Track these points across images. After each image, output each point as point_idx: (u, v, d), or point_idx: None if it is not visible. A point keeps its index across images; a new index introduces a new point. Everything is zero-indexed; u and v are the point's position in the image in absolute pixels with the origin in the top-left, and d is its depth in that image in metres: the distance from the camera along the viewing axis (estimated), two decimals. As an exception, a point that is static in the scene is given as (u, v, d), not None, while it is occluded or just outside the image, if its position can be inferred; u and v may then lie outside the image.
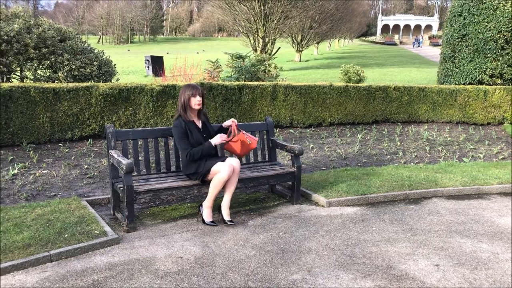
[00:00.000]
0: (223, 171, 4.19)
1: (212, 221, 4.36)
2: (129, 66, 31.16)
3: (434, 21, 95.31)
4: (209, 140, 4.41)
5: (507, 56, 11.81)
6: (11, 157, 6.45)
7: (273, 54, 27.05)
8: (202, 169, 4.30)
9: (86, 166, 6.26)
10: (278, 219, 4.57)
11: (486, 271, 3.48)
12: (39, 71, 10.18)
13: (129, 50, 66.01)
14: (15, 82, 8.75)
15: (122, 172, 4.07)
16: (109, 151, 4.40)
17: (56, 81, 9.74)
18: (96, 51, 11.11)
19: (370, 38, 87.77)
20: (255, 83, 9.21)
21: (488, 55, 11.89)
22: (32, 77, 10.06)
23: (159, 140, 5.31)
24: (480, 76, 12.11)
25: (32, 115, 7.10)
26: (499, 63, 11.82)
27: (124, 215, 4.19)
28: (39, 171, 5.93)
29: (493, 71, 11.91)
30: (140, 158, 5.94)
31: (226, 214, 4.39)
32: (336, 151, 7.75)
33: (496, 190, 5.71)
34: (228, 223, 4.35)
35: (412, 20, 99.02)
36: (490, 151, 8.21)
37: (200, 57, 25.80)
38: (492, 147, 8.53)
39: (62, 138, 7.43)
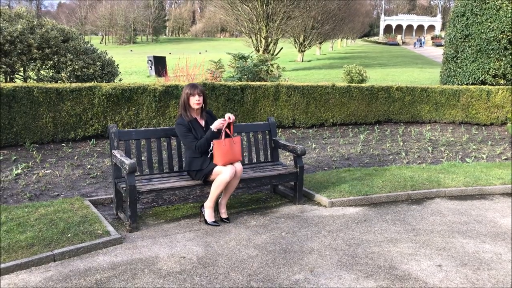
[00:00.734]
0: (225, 173, 4.21)
1: (214, 221, 4.37)
2: (132, 66, 31.22)
3: (437, 21, 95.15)
4: (210, 127, 4.40)
5: (510, 56, 11.79)
6: (15, 157, 6.47)
7: (276, 54, 27.04)
8: (206, 167, 4.31)
9: (89, 166, 6.28)
10: (281, 219, 4.57)
11: (489, 271, 3.48)
12: (42, 71, 10.20)
13: (131, 51, 66.10)
14: (19, 82, 8.79)
15: (125, 172, 4.08)
16: (112, 151, 4.41)
17: (59, 81, 9.76)
18: (99, 52, 11.14)
19: (372, 38, 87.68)
20: (258, 83, 9.21)
21: (491, 55, 11.86)
22: (35, 77, 10.09)
23: (162, 140, 5.32)
24: (483, 76, 12.08)
25: (35, 115, 7.12)
26: (502, 63, 11.79)
27: (127, 215, 4.20)
28: (42, 171, 5.95)
29: (496, 71, 11.89)
30: (142, 158, 5.95)
31: (223, 212, 4.46)
32: (338, 151, 7.75)
33: (499, 190, 5.70)
34: (224, 220, 4.40)
35: (414, 20, 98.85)
36: (493, 151, 8.19)
37: (203, 57, 25.82)
38: (495, 148, 8.51)
39: (65, 138, 7.46)
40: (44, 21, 10.71)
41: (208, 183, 4.39)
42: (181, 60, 16.42)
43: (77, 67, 9.98)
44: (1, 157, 6.47)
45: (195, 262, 3.55)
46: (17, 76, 10.45)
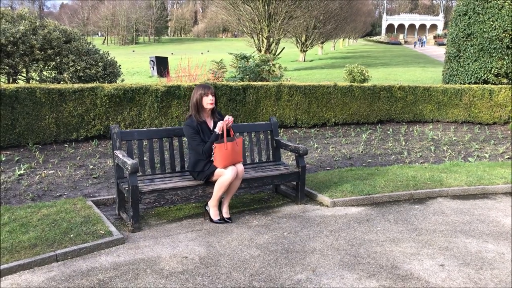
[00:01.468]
0: (227, 174, 4.22)
1: (219, 219, 4.40)
2: (134, 66, 31.27)
3: (439, 20, 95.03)
4: (215, 130, 4.39)
5: (513, 55, 11.74)
6: (17, 158, 6.49)
7: (278, 54, 27.03)
8: (208, 169, 4.33)
9: (91, 167, 6.29)
10: (283, 219, 4.57)
11: (492, 271, 3.47)
12: (44, 72, 10.24)
13: (134, 51, 66.24)
14: (21, 83, 8.82)
15: (127, 172, 4.09)
16: (114, 151, 4.42)
17: (61, 82, 9.80)
18: (101, 52, 11.16)
19: (374, 38, 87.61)
20: (260, 83, 9.22)
21: (494, 54, 11.83)
22: (37, 78, 10.12)
23: (164, 141, 5.34)
24: (485, 75, 12.05)
25: (38, 116, 7.14)
26: (504, 62, 11.76)
27: (129, 215, 4.21)
28: (45, 171, 5.97)
29: (499, 70, 11.85)
30: (145, 158, 5.96)
31: (225, 212, 4.47)
32: (340, 151, 7.74)
33: (501, 190, 5.69)
34: (226, 220, 4.41)
35: (417, 19, 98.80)
36: (495, 150, 8.17)
37: (205, 57, 25.83)
38: (497, 147, 8.49)
39: (67, 138, 7.48)
40: (47, 22, 10.74)
41: (210, 183, 4.40)
42: (183, 60, 16.44)
43: (79, 67, 10.01)
44: (4, 158, 6.49)
45: (197, 262, 3.55)
46: (19, 77, 10.49)
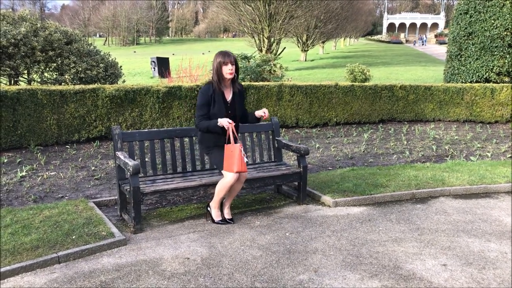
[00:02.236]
0: (228, 176, 4.18)
1: (221, 220, 4.38)
2: (135, 67, 31.30)
3: (440, 19, 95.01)
4: (218, 118, 4.15)
5: (515, 54, 11.71)
6: (19, 160, 6.50)
7: (279, 54, 27.06)
8: (211, 147, 4.32)
9: (93, 168, 6.30)
10: (285, 219, 4.56)
11: (494, 270, 3.46)
12: (46, 74, 10.27)
13: (135, 52, 66.32)
14: (23, 85, 8.84)
15: (128, 173, 4.09)
16: (116, 152, 4.42)
17: (62, 84, 9.81)
18: (102, 53, 11.18)
19: (376, 37, 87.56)
20: (261, 83, 9.22)
21: (495, 53, 11.81)
22: (39, 80, 10.15)
23: (165, 141, 5.34)
24: (487, 74, 12.03)
25: (39, 118, 7.16)
26: (506, 61, 11.74)
27: (131, 216, 4.21)
28: (47, 173, 5.98)
29: (500, 69, 11.83)
30: (146, 159, 5.97)
31: (226, 213, 4.45)
32: (342, 150, 7.74)
33: (504, 189, 5.67)
34: (228, 221, 4.39)
35: (418, 18, 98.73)
36: (497, 149, 8.15)
37: (206, 57, 25.84)
38: (499, 146, 8.47)
39: (69, 140, 7.49)
40: (48, 23, 10.77)
41: (212, 185, 4.38)
42: (184, 61, 16.45)
43: (80, 69, 10.04)
44: (6, 160, 6.50)
45: (199, 263, 3.55)
46: (21, 78, 10.52)
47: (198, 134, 4.41)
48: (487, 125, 10.70)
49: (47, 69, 10.26)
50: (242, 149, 4.20)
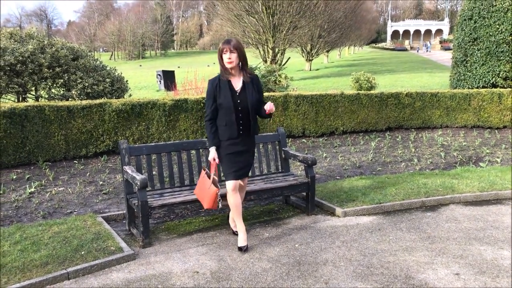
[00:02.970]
0: (228, 197, 4.01)
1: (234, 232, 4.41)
2: (141, 81, 31.53)
3: (445, 25, 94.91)
4: (213, 147, 3.94)
5: (521, 58, 11.65)
6: (28, 176, 6.54)
7: (283, 64, 27.12)
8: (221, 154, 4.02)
9: (101, 182, 6.31)
10: (294, 230, 4.53)
11: (508, 279, 3.40)
12: (53, 90, 10.37)
13: (141, 65, 66.91)
14: (31, 102, 8.93)
15: (136, 187, 4.09)
16: (123, 167, 4.43)
17: (70, 99, 9.90)
18: (108, 68, 11.28)
19: (380, 45, 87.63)
20: (266, 94, 9.23)
21: (501, 57, 11.76)
22: (46, 96, 10.25)
23: (172, 154, 5.34)
24: (493, 79, 11.96)
25: (47, 133, 7.21)
26: (512, 66, 11.66)
27: (139, 231, 4.20)
28: (55, 188, 6.00)
29: (507, 73, 11.77)
30: (154, 172, 5.97)
31: (233, 225, 4.42)
32: (349, 159, 7.70)
33: (515, 194, 5.60)
34: (236, 233, 4.32)
35: (422, 25, 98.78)
36: (507, 155, 8.07)
37: (211, 69, 26.00)
38: (509, 151, 8.39)
39: (77, 155, 7.53)
40: (54, 40, 10.90)
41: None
42: (190, 73, 16.55)
43: (87, 84, 10.12)
44: (15, 176, 6.54)
45: (208, 276, 3.53)
46: (29, 95, 10.62)
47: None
48: (496, 131, 10.61)
49: (54, 85, 10.35)
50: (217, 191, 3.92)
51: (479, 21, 12.07)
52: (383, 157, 7.89)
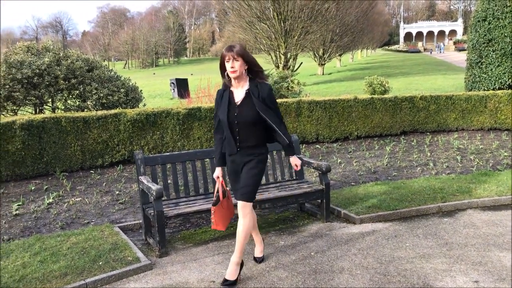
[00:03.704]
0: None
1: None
2: (155, 89, 31.84)
3: (458, 25, 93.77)
4: (219, 167, 3.69)
5: (538, 58, 11.46)
6: (46, 186, 6.65)
7: (296, 70, 27.14)
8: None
9: (117, 192, 6.39)
10: (309, 238, 4.52)
11: (529, 286, 3.34)
12: (69, 101, 10.56)
13: (154, 74, 67.60)
14: (47, 113, 9.10)
15: (152, 197, 4.14)
16: (139, 177, 4.48)
17: (85, 110, 10.05)
18: (122, 78, 11.43)
19: (393, 47, 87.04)
20: (279, 100, 9.24)
21: (517, 58, 11.57)
22: (62, 107, 10.42)
23: (187, 163, 5.39)
24: (510, 80, 11.78)
25: (64, 144, 7.33)
26: (529, 66, 11.45)
27: (155, 240, 4.24)
28: (73, 199, 6.09)
29: (524, 74, 11.55)
30: (169, 181, 6.02)
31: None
32: (364, 165, 7.65)
33: (534, 198, 5.50)
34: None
35: (435, 26, 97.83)
36: (525, 157, 7.94)
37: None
38: (527, 153, 8.25)
39: (93, 165, 7.63)
40: (70, 52, 11.09)
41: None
42: (203, 80, 16.65)
43: (102, 95, 10.28)
44: (34, 187, 6.66)
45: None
46: (46, 107, 10.81)
47: None
48: (513, 132, 10.44)
49: (70, 96, 10.54)
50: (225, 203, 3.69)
51: (493, 22, 11.92)
52: (398, 161, 7.82)
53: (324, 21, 29.18)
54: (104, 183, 6.86)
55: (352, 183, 6.55)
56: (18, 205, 5.84)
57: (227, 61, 3.42)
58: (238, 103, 3.49)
